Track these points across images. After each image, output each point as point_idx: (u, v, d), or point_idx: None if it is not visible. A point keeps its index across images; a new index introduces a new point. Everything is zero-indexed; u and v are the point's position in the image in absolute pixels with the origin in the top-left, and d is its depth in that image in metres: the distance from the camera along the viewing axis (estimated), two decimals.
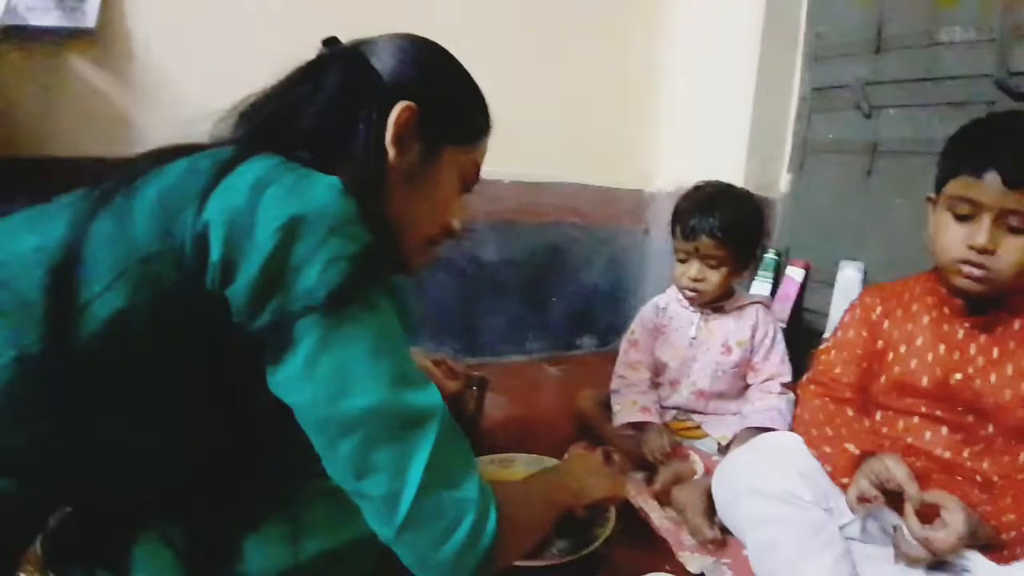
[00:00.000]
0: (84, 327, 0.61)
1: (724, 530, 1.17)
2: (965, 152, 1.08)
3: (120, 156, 0.70)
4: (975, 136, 1.10)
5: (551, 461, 1.31)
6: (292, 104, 0.76)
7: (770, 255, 2.06)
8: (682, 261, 1.51)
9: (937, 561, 1.00)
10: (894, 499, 1.01)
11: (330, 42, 0.84)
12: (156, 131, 1.03)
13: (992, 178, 1.01)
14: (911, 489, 0.98)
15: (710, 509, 1.19)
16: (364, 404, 0.63)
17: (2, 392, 0.60)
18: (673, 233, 1.53)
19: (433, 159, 0.83)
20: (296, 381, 0.64)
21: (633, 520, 1.22)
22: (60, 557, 0.65)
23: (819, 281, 1.93)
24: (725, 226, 1.43)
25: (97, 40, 1.38)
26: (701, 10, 2.21)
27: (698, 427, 1.53)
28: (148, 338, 0.64)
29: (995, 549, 0.98)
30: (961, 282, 1.07)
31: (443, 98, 0.83)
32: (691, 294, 1.52)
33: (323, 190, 0.65)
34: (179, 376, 0.67)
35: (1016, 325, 1.09)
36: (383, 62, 0.79)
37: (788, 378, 1.50)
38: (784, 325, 1.90)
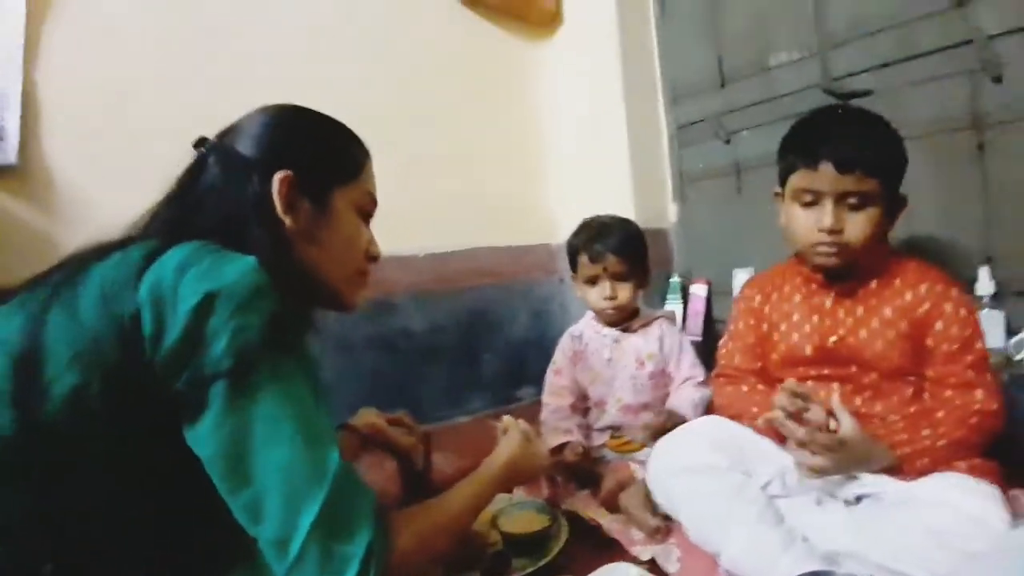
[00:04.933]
0: (48, 406, 0.68)
1: (666, 518, 1.24)
2: (798, 148, 1.23)
3: None
4: (804, 133, 1.25)
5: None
6: (189, 205, 0.85)
7: (674, 279, 2.22)
8: (593, 284, 1.64)
9: (858, 495, 1.11)
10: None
11: (200, 143, 0.90)
12: None
13: (825, 167, 1.16)
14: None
15: (651, 503, 1.27)
16: (260, 462, 0.71)
17: None
18: (574, 265, 1.67)
19: (326, 208, 0.90)
20: (204, 438, 0.71)
21: (585, 531, 1.30)
22: None
23: (721, 292, 2.10)
24: (623, 242, 1.61)
25: (19, 174, 1.43)
26: (569, 71, 2.40)
27: (632, 441, 1.62)
28: (102, 412, 0.70)
29: (898, 470, 1.09)
30: (819, 260, 1.22)
31: (311, 153, 0.90)
32: (610, 312, 1.64)
33: (234, 269, 0.73)
34: (132, 448, 0.72)
35: (873, 284, 1.24)
36: (246, 144, 0.87)
37: (701, 378, 1.63)
38: (699, 338, 2.05)
